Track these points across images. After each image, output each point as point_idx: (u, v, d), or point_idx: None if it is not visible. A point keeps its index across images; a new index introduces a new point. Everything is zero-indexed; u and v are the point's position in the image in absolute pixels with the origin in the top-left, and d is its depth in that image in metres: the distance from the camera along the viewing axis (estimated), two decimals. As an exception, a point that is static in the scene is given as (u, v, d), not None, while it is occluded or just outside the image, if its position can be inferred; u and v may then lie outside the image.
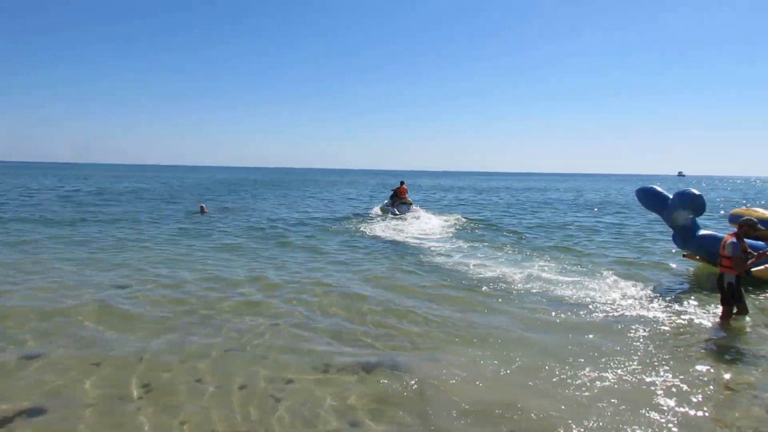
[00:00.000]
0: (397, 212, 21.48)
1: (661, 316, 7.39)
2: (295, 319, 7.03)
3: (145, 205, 24.96)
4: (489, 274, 9.98)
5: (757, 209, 10.58)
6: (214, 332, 6.47)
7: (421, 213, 21.99)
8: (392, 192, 23.23)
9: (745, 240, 10.04)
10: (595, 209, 28.24)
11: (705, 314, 7.49)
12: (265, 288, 8.67)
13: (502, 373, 5.41)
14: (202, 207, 21.78)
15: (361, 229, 16.78)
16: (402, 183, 23.56)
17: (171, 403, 4.67)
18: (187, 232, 15.37)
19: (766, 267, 9.23)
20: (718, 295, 7.12)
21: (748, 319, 7.05)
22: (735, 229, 10.72)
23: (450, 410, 4.59)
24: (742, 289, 6.97)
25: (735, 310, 7.02)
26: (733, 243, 6.78)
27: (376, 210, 23.90)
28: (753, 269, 9.28)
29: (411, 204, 22.28)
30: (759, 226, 6.96)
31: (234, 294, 8.25)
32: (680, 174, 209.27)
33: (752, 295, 8.48)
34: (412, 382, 5.14)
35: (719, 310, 7.33)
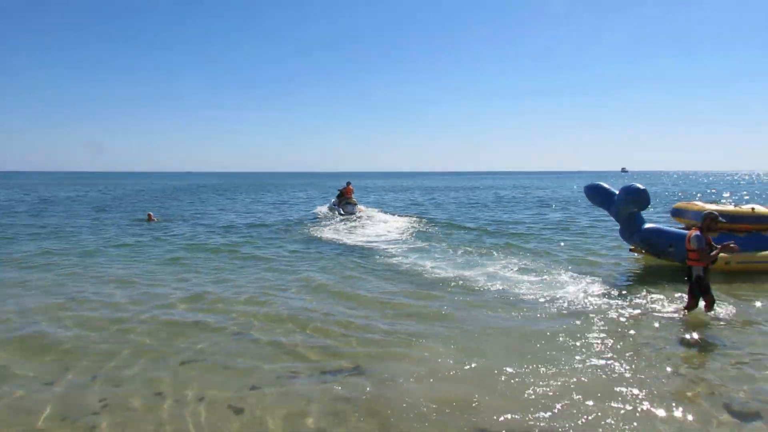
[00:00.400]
0: (342, 212, 22.36)
1: (620, 310, 7.58)
2: (242, 330, 6.81)
3: (88, 215, 23.92)
4: (445, 274, 10.03)
5: (696, 203, 11.02)
6: (163, 347, 6.21)
7: (375, 213, 22.62)
8: (339, 192, 24.14)
9: (677, 229, 10.46)
10: (553, 206, 28.94)
11: (665, 306, 7.73)
12: (214, 300, 8.28)
13: (460, 372, 5.40)
14: (149, 215, 21.26)
15: (312, 233, 16.64)
16: (348, 184, 24.47)
17: (128, 418, 4.50)
18: (132, 240, 14.80)
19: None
20: (674, 285, 7.37)
21: (715, 310, 7.18)
22: (677, 222, 11.23)
23: (408, 412, 4.55)
24: (709, 282, 7.07)
25: (703, 303, 7.15)
26: (697, 236, 6.92)
27: (323, 209, 24.98)
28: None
29: (356, 204, 23.22)
30: (721, 219, 7.19)
31: (174, 309, 7.85)
32: (623, 170, 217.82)
33: (723, 286, 8.76)
34: (369, 386, 5.07)
35: (677, 302, 7.62)
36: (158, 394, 4.94)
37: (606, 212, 11.70)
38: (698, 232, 6.99)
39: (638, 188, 10.22)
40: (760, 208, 10.35)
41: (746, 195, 39.02)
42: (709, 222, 7.11)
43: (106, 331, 6.71)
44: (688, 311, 7.20)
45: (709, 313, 7.12)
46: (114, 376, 5.34)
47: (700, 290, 7.05)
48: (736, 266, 9.57)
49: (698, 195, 39.91)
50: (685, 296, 7.31)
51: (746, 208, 10.40)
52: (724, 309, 7.41)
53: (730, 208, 10.45)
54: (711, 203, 11.11)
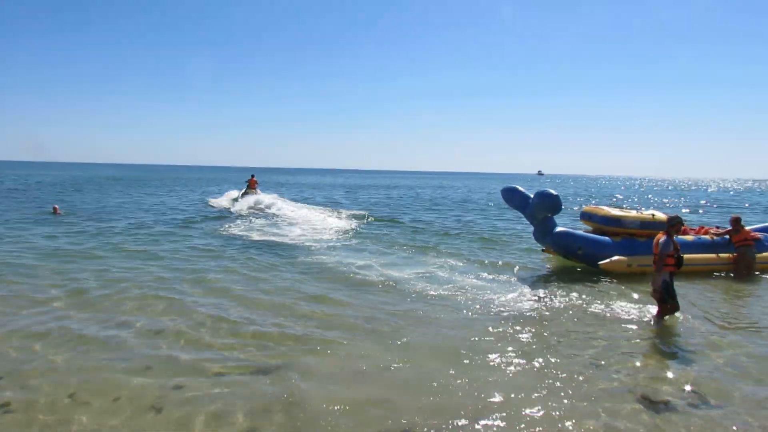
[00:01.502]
0: (241, 198, 27.57)
1: (540, 308, 7.88)
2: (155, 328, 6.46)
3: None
4: (368, 271, 10.02)
5: (604, 207, 11.61)
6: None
7: (275, 200, 26.12)
8: (246, 183, 29.80)
9: (586, 233, 11.00)
10: (491, 206, 29.65)
11: (582, 303, 8.15)
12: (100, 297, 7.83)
13: (382, 372, 5.38)
14: (55, 207, 19.91)
15: (225, 227, 16.33)
16: (252, 176, 30.26)
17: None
18: (37, 235, 13.65)
19: (612, 260, 10.16)
20: (586, 284, 7.51)
21: (678, 315, 7.31)
22: (586, 226, 11.79)
23: (328, 412, 4.49)
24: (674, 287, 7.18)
25: (668, 308, 7.18)
26: (665, 241, 6.92)
27: (230, 193, 31.09)
28: (601, 263, 10.21)
29: (258, 193, 28.37)
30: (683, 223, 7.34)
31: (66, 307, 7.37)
32: (539, 173, 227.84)
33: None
34: (281, 388, 4.95)
35: (592, 299, 8.10)
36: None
37: (520, 214, 12.11)
38: (665, 237, 6.97)
39: (551, 194, 10.71)
40: (659, 215, 11.08)
41: (649, 198, 41.89)
42: (677, 226, 7.12)
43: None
44: (660, 317, 7.23)
45: (676, 316, 7.23)
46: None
47: (667, 295, 7.05)
48: (637, 269, 10.20)
49: (614, 199, 42.47)
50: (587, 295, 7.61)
51: (647, 214, 11.10)
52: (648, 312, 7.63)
53: (633, 213, 11.10)
54: (617, 208, 11.74)
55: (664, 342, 6.57)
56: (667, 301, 7.14)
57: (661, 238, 7.02)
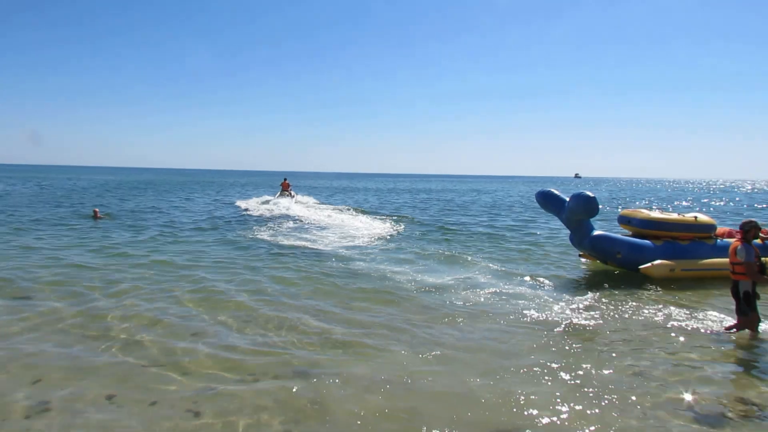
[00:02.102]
0: (278, 200, 29.93)
1: (580, 316, 7.60)
2: (204, 332, 6.53)
3: (30, 208, 22.62)
4: (404, 276, 9.95)
5: (642, 210, 11.26)
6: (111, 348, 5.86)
7: (308, 199, 30.82)
8: (280, 186, 33.64)
9: (625, 237, 10.61)
10: (525, 209, 29.21)
11: (625, 310, 7.85)
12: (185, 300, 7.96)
13: (417, 381, 5.26)
14: (95, 211, 20.33)
15: (261, 231, 16.37)
16: (285, 179, 34.21)
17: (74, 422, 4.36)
18: (79, 238, 14.05)
19: (654, 264, 9.80)
20: (627, 289, 7.16)
21: (761, 328, 6.65)
22: (623, 230, 11.43)
23: (353, 420, 4.44)
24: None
25: (748, 320, 6.56)
26: (745, 247, 6.34)
27: (265, 197, 33.21)
28: (642, 267, 9.87)
29: (293, 196, 31.60)
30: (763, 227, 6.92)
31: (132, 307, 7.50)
32: (577, 175, 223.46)
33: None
34: (316, 393, 4.94)
35: (637, 307, 7.78)
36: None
37: (556, 218, 11.84)
38: (742, 244, 6.40)
39: (588, 196, 10.34)
40: (702, 217, 10.68)
41: (686, 203, 40.63)
42: (754, 231, 6.58)
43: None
44: (738, 330, 6.65)
45: (740, 330, 6.63)
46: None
47: (747, 306, 6.47)
48: (680, 273, 9.83)
49: (645, 201, 41.36)
50: (644, 304, 7.25)
51: (689, 216, 10.71)
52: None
53: (674, 216, 10.73)
54: (656, 210, 11.38)
55: (727, 355, 6.18)
56: (748, 314, 6.52)
57: (738, 245, 6.45)
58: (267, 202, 29.50)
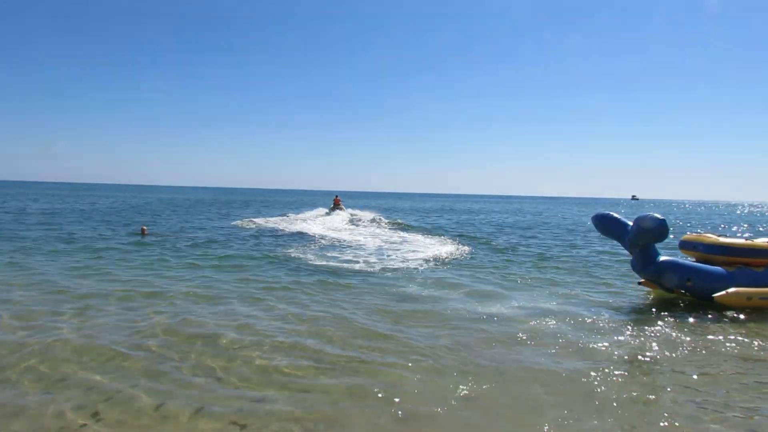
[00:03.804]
0: (330, 213, 34.85)
1: (643, 347, 7.30)
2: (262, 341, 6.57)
3: (83, 226, 23.83)
4: (459, 296, 9.80)
5: (709, 234, 10.69)
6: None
7: (358, 212, 35.30)
8: (333, 202, 38.14)
9: (695, 263, 10.04)
10: (580, 232, 28.38)
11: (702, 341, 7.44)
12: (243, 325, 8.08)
13: (501, 408, 5.17)
14: (143, 228, 21.26)
15: (311, 248, 16.39)
16: (336, 197, 38.83)
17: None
18: (125, 254, 14.70)
19: (728, 293, 9.26)
20: (700, 320, 6.76)
21: None
22: (686, 256, 10.85)
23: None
24: None
25: None
26: None
27: (319, 210, 37.80)
28: (716, 295, 9.30)
29: (344, 209, 36.19)
30: None
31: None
32: (634, 197, 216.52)
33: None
34: (365, 410, 4.98)
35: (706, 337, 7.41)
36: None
37: (615, 242, 11.36)
38: None
39: (657, 218, 9.74)
40: (775, 242, 10.05)
41: (762, 228, 38.32)
42: None
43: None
44: None
45: None
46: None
47: None
48: (758, 302, 9.24)
49: (710, 227, 39.34)
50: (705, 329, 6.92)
51: (760, 241, 10.10)
52: None
53: (742, 241, 10.15)
54: (722, 236, 10.73)
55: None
56: None
57: None
58: (327, 214, 34.75)
